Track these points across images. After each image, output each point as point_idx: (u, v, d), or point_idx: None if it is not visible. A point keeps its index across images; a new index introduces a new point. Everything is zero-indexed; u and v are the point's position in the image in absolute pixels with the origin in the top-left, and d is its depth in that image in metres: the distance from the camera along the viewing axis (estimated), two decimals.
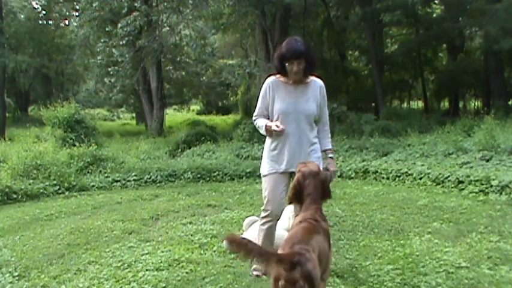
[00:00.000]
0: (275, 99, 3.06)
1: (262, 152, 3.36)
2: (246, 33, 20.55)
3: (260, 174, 3.27)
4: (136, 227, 4.77)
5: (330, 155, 3.19)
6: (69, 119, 10.02)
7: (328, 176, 2.75)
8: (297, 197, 2.52)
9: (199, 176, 8.37)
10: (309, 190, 2.47)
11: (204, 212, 5.49)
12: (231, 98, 29.56)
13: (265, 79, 3.17)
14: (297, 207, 2.61)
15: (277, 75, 3.11)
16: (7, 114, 22.94)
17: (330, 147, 3.22)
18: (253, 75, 17.34)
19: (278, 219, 3.27)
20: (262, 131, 3.08)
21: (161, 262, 3.56)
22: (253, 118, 3.19)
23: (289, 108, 3.02)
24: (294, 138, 3.03)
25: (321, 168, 2.85)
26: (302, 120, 3.04)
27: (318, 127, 3.18)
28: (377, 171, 7.62)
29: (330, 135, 3.25)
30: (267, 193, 3.12)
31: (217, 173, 8.44)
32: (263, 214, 3.19)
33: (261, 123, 3.07)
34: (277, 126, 2.90)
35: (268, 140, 3.19)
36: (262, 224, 3.21)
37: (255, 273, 3.19)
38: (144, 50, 15.66)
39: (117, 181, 8.06)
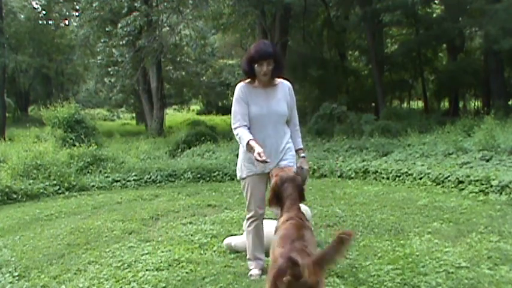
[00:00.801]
0: (248, 104, 3.09)
1: None
2: (246, 33, 20.57)
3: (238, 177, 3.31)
4: (136, 227, 4.77)
5: (302, 155, 3.26)
6: (69, 119, 10.03)
7: (303, 180, 2.88)
8: (276, 200, 2.65)
9: (199, 176, 8.37)
10: (289, 192, 2.60)
11: (204, 212, 5.49)
12: (231, 98, 29.49)
13: (235, 86, 3.20)
14: (277, 209, 2.71)
15: (246, 81, 3.15)
16: (7, 114, 22.95)
17: (302, 146, 3.30)
18: None
19: (263, 218, 3.33)
20: (243, 145, 2.99)
21: (161, 262, 3.56)
22: (234, 127, 3.08)
23: (262, 110, 3.07)
24: (270, 140, 3.08)
25: (295, 167, 3.06)
26: (276, 122, 3.10)
27: (290, 127, 3.24)
28: (377, 171, 7.62)
29: (300, 135, 3.33)
30: (248, 195, 3.22)
31: (217, 173, 8.45)
32: (248, 215, 3.29)
33: (244, 136, 2.96)
34: (259, 155, 2.76)
35: None
36: (249, 225, 3.28)
37: (252, 278, 3.19)
38: (144, 50, 15.67)
39: (117, 181, 8.07)
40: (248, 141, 2.91)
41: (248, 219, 3.29)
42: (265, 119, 3.07)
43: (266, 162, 2.78)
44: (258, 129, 3.07)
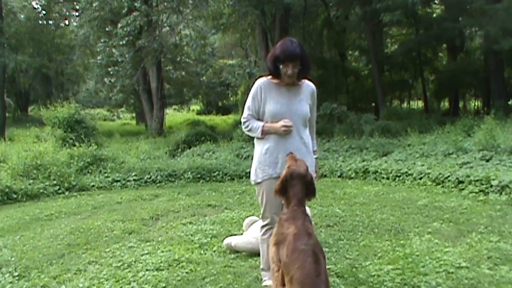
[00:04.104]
0: (266, 100, 2.91)
1: None
2: (246, 33, 20.58)
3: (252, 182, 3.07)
4: (136, 227, 4.77)
5: (314, 156, 3.09)
6: (69, 119, 10.01)
7: (313, 176, 2.79)
8: (283, 192, 2.59)
9: (199, 176, 8.37)
10: (296, 190, 2.54)
11: (204, 212, 5.49)
12: (231, 98, 29.56)
13: (255, 80, 3.04)
14: (282, 200, 2.66)
15: (269, 77, 2.97)
16: (7, 114, 22.95)
17: (316, 148, 3.14)
18: (253, 75, 17.35)
19: None
20: (257, 133, 2.91)
21: (161, 262, 3.56)
22: (243, 120, 2.98)
23: (282, 109, 2.88)
24: (287, 139, 2.89)
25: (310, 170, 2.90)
26: (295, 122, 2.90)
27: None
28: (377, 171, 7.62)
29: (315, 136, 3.15)
30: (264, 201, 2.96)
31: (217, 173, 8.45)
32: (263, 223, 3.03)
33: (255, 124, 2.91)
34: (285, 123, 2.78)
35: (258, 144, 3.01)
36: (264, 233, 3.02)
37: (264, 284, 3.07)
38: (144, 50, 15.67)
39: (117, 181, 8.07)
40: (262, 128, 2.84)
41: (263, 226, 3.03)
42: (283, 118, 2.86)
43: (290, 126, 2.80)
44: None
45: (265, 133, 2.89)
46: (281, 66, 2.82)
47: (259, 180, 2.97)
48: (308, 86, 3.01)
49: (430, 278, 3.07)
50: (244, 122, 2.98)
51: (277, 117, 2.89)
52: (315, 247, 2.32)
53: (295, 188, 2.53)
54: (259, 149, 2.99)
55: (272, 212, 2.95)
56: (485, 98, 18.64)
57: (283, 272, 2.38)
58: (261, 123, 2.91)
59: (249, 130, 2.96)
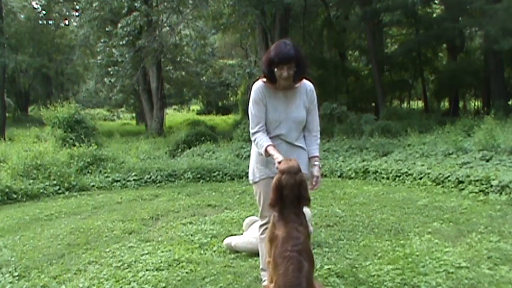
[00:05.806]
0: (266, 106, 2.87)
1: None
2: (246, 33, 20.59)
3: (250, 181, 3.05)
4: (136, 227, 4.78)
5: (316, 163, 2.97)
6: (69, 119, 10.01)
7: (305, 179, 2.63)
8: (279, 200, 2.49)
9: (199, 176, 8.38)
10: (287, 191, 2.46)
11: (204, 212, 5.49)
12: (231, 98, 29.58)
13: (252, 85, 2.98)
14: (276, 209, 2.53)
15: (264, 80, 2.88)
16: (7, 114, 22.95)
17: (317, 154, 3.01)
18: (253, 75, 17.34)
19: None
20: (261, 151, 2.83)
21: (161, 262, 3.56)
22: (252, 132, 2.89)
23: (280, 116, 2.86)
24: (284, 143, 2.89)
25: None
26: (292, 127, 2.89)
27: (304, 133, 2.99)
28: (377, 171, 7.62)
29: (318, 141, 3.04)
30: (262, 200, 2.95)
31: (217, 173, 8.45)
32: (261, 222, 3.01)
33: (261, 142, 2.81)
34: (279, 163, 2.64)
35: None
36: (262, 233, 2.97)
37: (264, 284, 3.03)
38: (144, 50, 15.67)
39: (117, 181, 8.07)
40: (266, 148, 2.76)
41: (261, 226, 3.00)
42: (281, 124, 2.87)
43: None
44: (270, 131, 2.90)
45: (267, 155, 2.80)
46: (276, 70, 2.75)
47: (256, 180, 2.97)
48: (305, 87, 2.95)
49: (430, 278, 3.07)
50: (253, 134, 2.90)
51: (275, 123, 2.87)
52: (300, 253, 2.31)
53: (286, 189, 2.46)
54: (256, 149, 2.97)
55: (270, 212, 2.86)
56: (485, 98, 18.64)
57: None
58: (266, 143, 2.80)
59: (256, 144, 2.91)
